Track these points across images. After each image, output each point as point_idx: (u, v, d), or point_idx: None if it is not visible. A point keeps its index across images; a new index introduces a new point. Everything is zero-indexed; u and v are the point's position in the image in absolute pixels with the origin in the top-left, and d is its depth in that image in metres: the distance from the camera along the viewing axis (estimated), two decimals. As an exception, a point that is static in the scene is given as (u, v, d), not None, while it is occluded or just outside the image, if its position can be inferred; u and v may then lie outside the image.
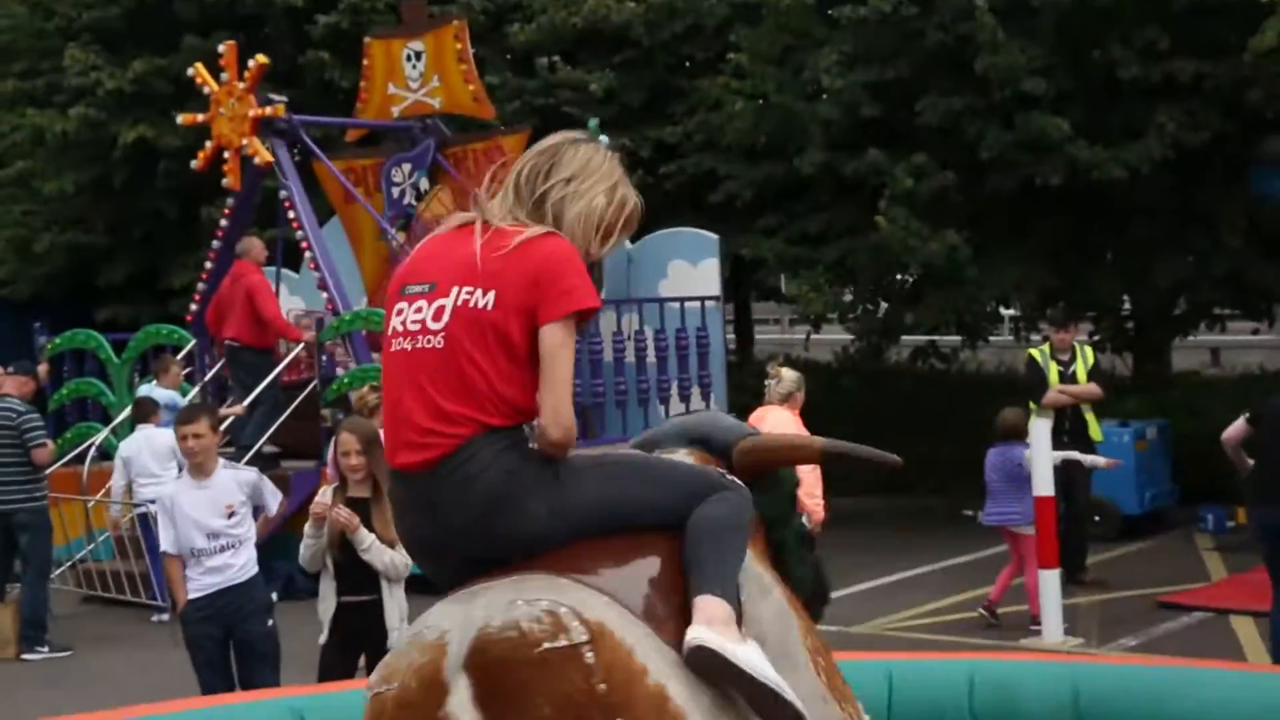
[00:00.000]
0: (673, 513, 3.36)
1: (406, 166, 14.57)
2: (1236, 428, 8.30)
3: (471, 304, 3.25)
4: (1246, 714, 5.39)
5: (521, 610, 3.04)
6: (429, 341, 3.27)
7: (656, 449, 3.72)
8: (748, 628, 3.29)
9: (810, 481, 8.50)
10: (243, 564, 7.16)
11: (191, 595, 7.10)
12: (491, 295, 3.24)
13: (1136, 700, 5.60)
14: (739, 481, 3.48)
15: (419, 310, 3.30)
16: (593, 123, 13.11)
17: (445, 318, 3.26)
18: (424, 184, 14.42)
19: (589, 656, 3.00)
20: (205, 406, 8.62)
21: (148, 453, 11.44)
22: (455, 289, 3.27)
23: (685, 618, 3.20)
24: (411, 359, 3.29)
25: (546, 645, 2.99)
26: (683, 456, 3.65)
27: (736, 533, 3.38)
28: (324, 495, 6.82)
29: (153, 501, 10.01)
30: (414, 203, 14.46)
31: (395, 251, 14.14)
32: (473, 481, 3.23)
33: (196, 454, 7.14)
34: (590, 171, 3.44)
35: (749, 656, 3.19)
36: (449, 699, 3.00)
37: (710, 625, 3.18)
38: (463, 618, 3.08)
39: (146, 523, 11.35)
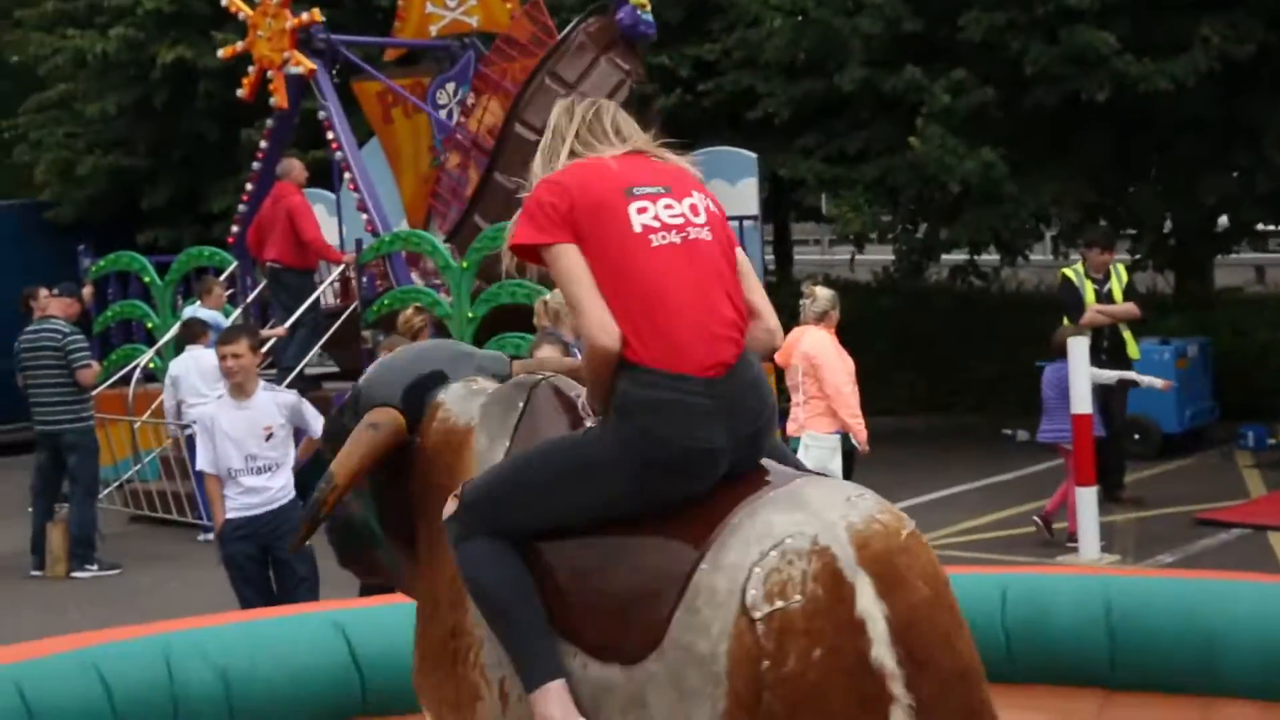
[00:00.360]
0: None
1: (450, 86, 14.52)
2: None
3: (712, 208, 3.36)
4: (1278, 626, 5.42)
5: (864, 505, 3.17)
6: (700, 234, 3.28)
7: (452, 380, 3.79)
8: None
9: (852, 402, 8.52)
10: (280, 486, 7.25)
11: (229, 515, 7.21)
12: (714, 203, 3.39)
13: (1169, 613, 5.62)
14: None
15: (669, 206, 3.28)
16: None
17: (702, 214, 3.31)
18: (470, 99, 14.31)
19: (924, 537, 3.24)
20: (246, 327, 8.69)
21: (195, 373, 11.54)
22: (694, 192, 3.34)
23: None
24: (690, 250, 3.25)
25: (904, 532, 3.15)
26: (486, 382, 3.79)
27: None
28: None
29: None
30: (463, 119, 14.37)
31: (447, 170, 14.09)
32: (759, 386, 3.28)
33: (236, 374, 7.22)
34: None
35: None
36: (858, 598, 3.03)
37: None
38: (817, 521, 3.10)
39: (193, 443, 11.49)
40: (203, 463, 7.26)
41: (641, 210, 3.25)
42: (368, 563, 4.11)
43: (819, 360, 8.52)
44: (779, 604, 3.02)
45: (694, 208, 3.30)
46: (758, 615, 3.02)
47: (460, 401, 3.72)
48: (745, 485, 3.24)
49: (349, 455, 3.68)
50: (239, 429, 7.17)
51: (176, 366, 11.83)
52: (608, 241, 3.24)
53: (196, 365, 11.56)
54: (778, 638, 3.01)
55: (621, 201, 3.25)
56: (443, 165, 14.23)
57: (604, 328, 3.19)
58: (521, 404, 3.61)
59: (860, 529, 3.10)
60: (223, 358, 7.28)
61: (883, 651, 3.01)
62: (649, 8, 12.63)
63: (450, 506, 3.45)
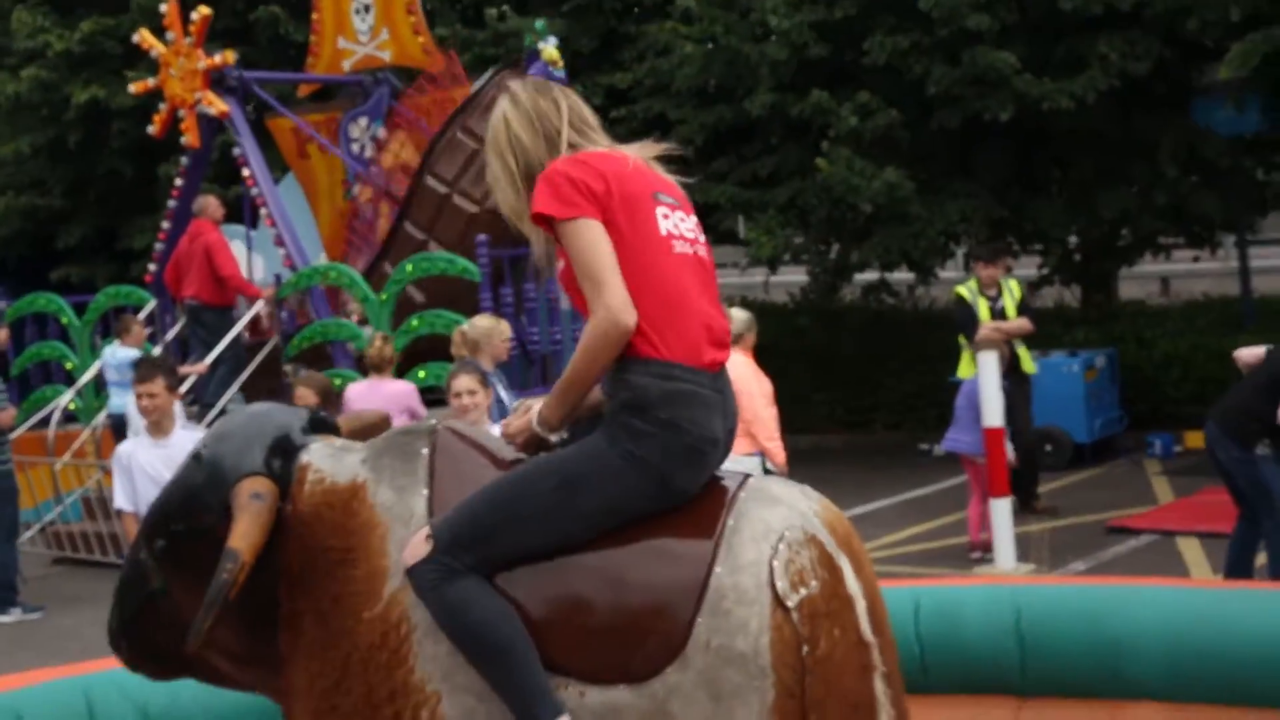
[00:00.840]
0: None
1: (363, 120, 14.58)
2: (1254, 353, 8.42)
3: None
4: (1182, 628, 5.56)
5: (814, 495, 3.48)
6: (702, 251, 3.51)
7: (295, 441, 3.69)
8: None
9: (770, 425, 8.59)
10: None
11: None
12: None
13: (1076, 619, 5.76)
14: None
15: (683, 220, 3.49)
16: (540, 23, 13.03)
17: (700, 234, 3.54)
18: (381, 133, 14.41)
19: None
20: (162, 366, 8.68)
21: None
22: (691, 211, 3.57)
23: None
24: (698, 264, 3.46)
25: (845, 517, 3.49)
26: (343, 440, 3.79)
27: None
28: None
29: None
30: (376, 154, 14.45)
31: (358, 204, 14.18)
32: (731, 390, 3.52)
33: (152, 413, 7.24)
34: None
35: None
36: (845, 578, 3.32)
37: None
38: (796, 513, 3.36)
39: None
40: (121, 500, 7.26)
41: (665, 217, 3.42)
42: (180, 657, 3.76)
43: (736, 385, 8.59)
44: (804, 591, 3.25)
45: (697, 225, 3.54)
46: (791, 604, 3.23)
47: (330, 460, 3.64)
48: (714, 488, 3.42)
49: (250, 530, 3.46)
50: (156, 467, 7.15)
51: (129, 406, 11.55)
52: (636, 238, 3.34)
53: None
54: (810, 622, 3.23)
55: (651, 204, 3.40)
56: (355, 199, 14.29)
57: (626, 304, 3.27)
58: (426, 450, 3.57)
59: (825, 516, 3.42)
60: (139, 396, 7.29)
61: (866, 625, 3.32)
62: (561, 65, 12.78)
63: (422, 549, 3.34)
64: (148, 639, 3.82)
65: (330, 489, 3.57)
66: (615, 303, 3.24)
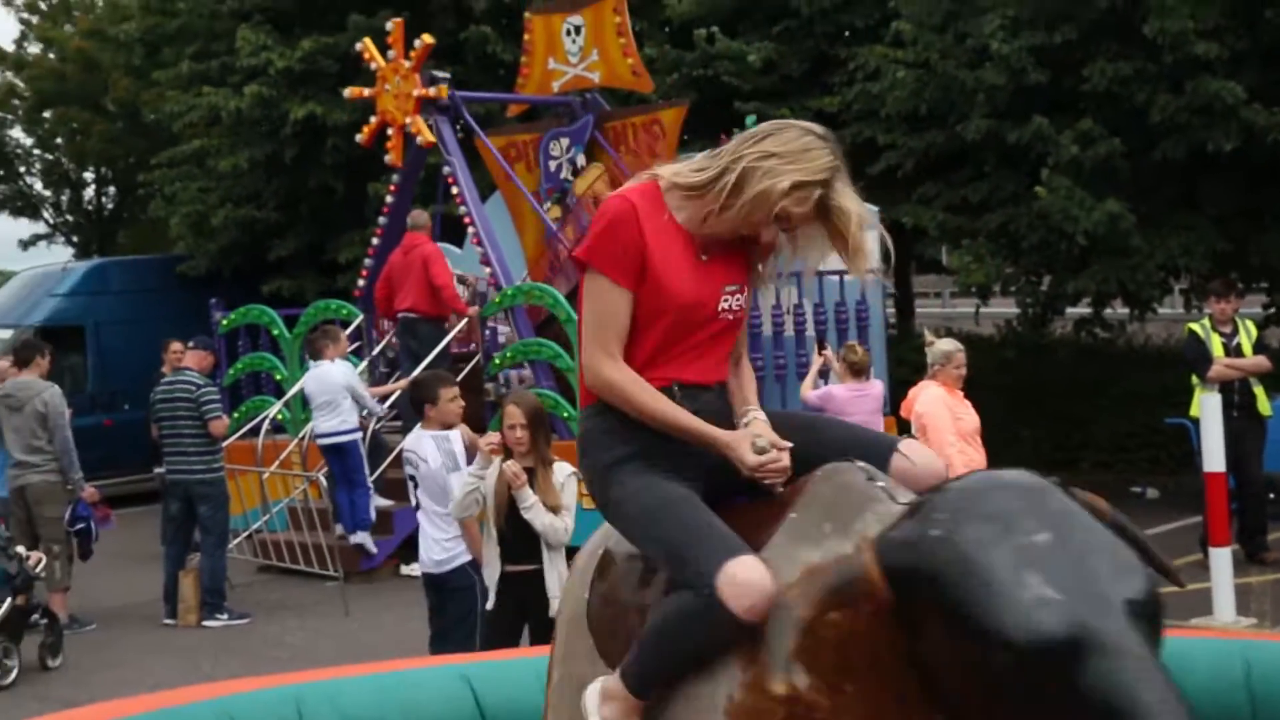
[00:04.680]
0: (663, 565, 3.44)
1: (564, 141, 14.68)
2: None
3: None
4: None
5: None
6: None
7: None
8: None
9: (955, 462, 8.02)
10: None
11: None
12: None
13: (1311, 680, 5.46)
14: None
15: None
16: (750, 119, 13.05)
17: None
18: (580, 160, 14.52)
19: None
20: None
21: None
22: None
23: None
24: None
25: None
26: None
27: (679, 638, 3.25)
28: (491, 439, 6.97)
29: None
30: (570, 178, 14.57)
31: (548, 225, 14.32)
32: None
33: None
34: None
35: None
36: None
37: (605, 700, 3.42)
38: None
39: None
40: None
41: None
42: None
43: (924, 420, 8.45)
44: None
45: None
46: None
47: None
48: None
49: None
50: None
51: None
52: None
53: None
54: None
55: None
56: (545, 220, 14.42)
57: None
58: None
59: None
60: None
61: None
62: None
63: None
64: None
65: None
66: None
